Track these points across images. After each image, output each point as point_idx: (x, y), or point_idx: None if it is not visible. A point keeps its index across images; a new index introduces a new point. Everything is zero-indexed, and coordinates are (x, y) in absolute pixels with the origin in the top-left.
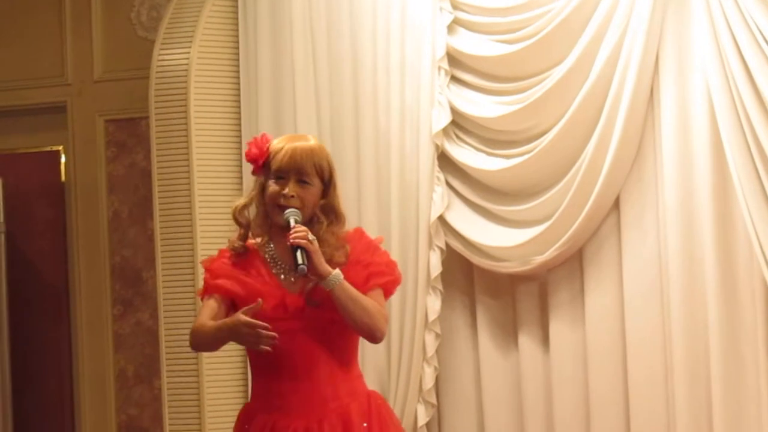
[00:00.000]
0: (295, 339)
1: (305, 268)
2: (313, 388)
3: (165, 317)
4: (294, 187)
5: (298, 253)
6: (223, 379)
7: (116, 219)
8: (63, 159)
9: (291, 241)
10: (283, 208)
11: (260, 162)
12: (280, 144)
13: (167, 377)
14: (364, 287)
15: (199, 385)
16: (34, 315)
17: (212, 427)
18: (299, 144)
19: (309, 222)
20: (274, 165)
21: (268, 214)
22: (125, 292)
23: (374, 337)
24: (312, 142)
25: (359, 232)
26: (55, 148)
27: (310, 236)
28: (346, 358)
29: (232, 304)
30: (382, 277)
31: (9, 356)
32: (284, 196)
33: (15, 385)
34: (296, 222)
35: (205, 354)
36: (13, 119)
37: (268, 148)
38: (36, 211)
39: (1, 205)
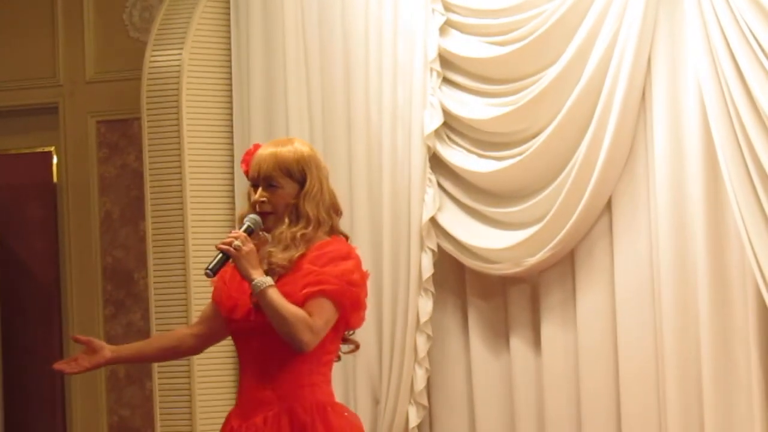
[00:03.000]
0: (247, 341)
1: (210, 273)
2: (252, 391)
3: (156, 318)
4: (263, 192)
5: (217, 257)
6: (214, 381)
7: (108, 220)
8: (55, 160)
9: (218, 245)
10: (259, 213)
11: (246, 173)
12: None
13: (159, 378)
14: (297, 295)
15: (191, 387)
16: (26, 315)
17: (203, 428)
18: (266, 150)
19: (277, 224)
20: (249, 174)
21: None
22: (117, 293)
23: (295, 347)
24: (285, 146)
25: (326, 243)
26: (47, 148)
27: (238, 242)
28: (292, 365)
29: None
30: (318, 285)
31: (0, 356)
32: (257, 202)
33: (6, 385)
34: (247, 228)
35: (196, 355)
36: (5, 120)
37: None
38: (28, 212)
39: None
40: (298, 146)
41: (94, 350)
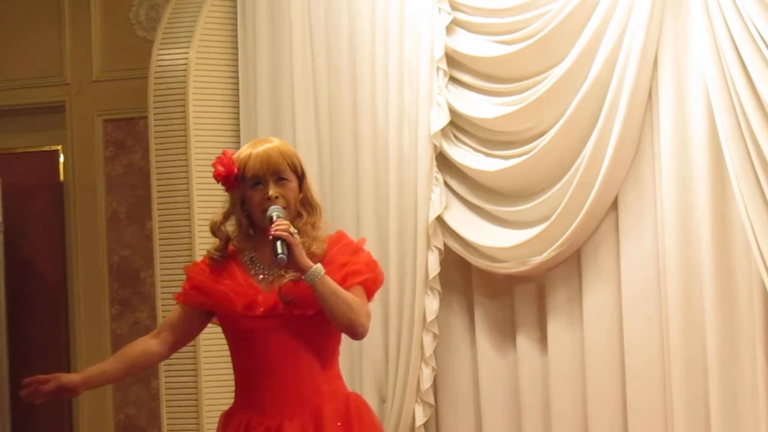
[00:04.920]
0: (269, 337)
1: (285, 257)
2: (286, 386)
3: (163, 317)
4: (275, 188)
5: (278, 244)
6: (220, 379)
7: (114, 219)
8: (62, 158)
9: (272, 232)
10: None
11: (232, 177)
12: (245, 152)
13: (165, 376)
14: (342, 286)
15: (197, 385)
16: (33, 314)
17: (210, 427)
18: (266, 146)
19: (292, 218)
20: (250, 172)
21: (250, 225)
22: (123, 292)
23: (356, 332)
24: (275, 143)
25: (339, 235)
26: (53, 147)
27: (292, 229)
28: (322, 357)
29: (209, 312)
30: (359, 275)
31: (7, 355)
32: (269, 199)
33: (13, 383)
34: (278, 217)
35: (203, 353)
36: (12, 119)
37: (233, 162)
38: (34, 211)
39: None
40: (283, 141)
41: (67, 389)
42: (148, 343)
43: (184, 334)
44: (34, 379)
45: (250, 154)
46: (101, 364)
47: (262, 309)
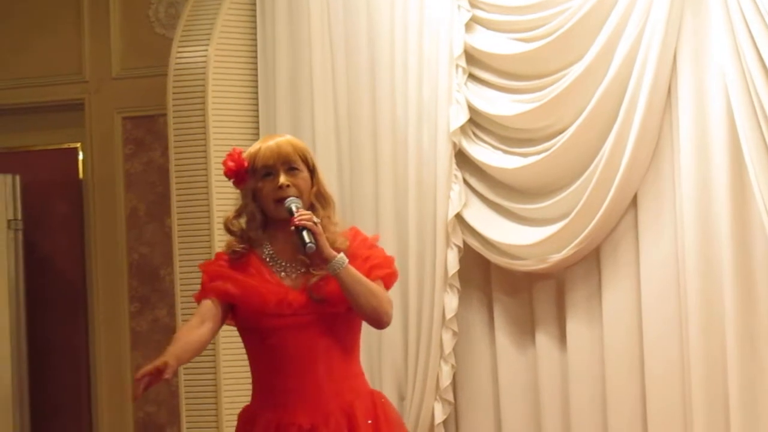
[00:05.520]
0: (299, 335)
1: (313, 246)
2: (317, 385)
3: (182, 314)
4: (286, 177)
5: (305, 233)
6: (240, 376)
7: (134, 216)
8: (81, 156)
9: (296, 222)
10: (283, 200)
11: (242, 170)
12: (255, 147)
13: (184, 374)
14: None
15: (217, 382)
16: (52, 312)
17: (229, 424)
18: (277, 139)
19: (313, 209)
20: (260, 163)
21: (263, 219)
22: (143, 290)
23: (381, 321)
24: (287, 137)
25: (354, 231)
26: (73, 145)
27: (315, 219)
28: (349, 355)
29: (230, 307)
30: (381, 269)
31: (26, 353)
32: (280, 187)
33: (32, 382)
34: (298, 208)
35: (222, 350)
36: (32, 116)
37: (242, 157)
38: (54, 208)
39: (19, 202)
40: (294, 137)
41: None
42: (200, 332)
43: (219, 326)
44: (145, 373)
45: (260, 148)
46: (176, 348)
47: (292, 308)
